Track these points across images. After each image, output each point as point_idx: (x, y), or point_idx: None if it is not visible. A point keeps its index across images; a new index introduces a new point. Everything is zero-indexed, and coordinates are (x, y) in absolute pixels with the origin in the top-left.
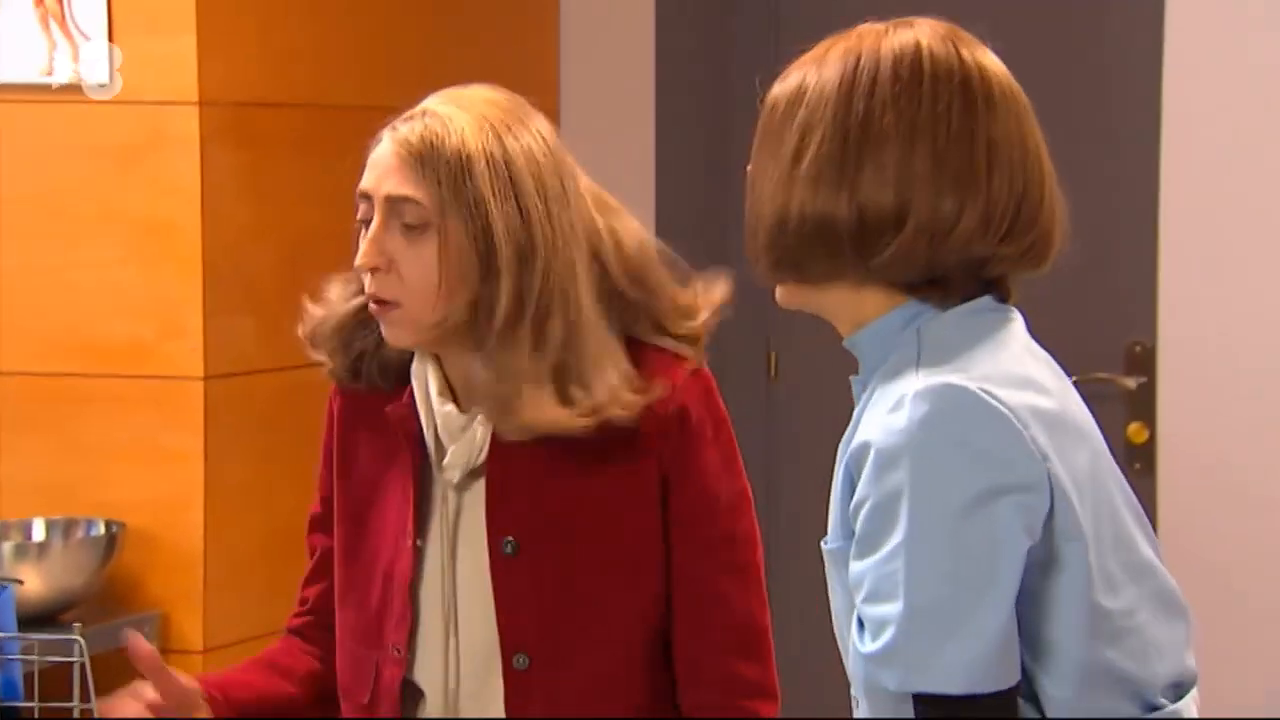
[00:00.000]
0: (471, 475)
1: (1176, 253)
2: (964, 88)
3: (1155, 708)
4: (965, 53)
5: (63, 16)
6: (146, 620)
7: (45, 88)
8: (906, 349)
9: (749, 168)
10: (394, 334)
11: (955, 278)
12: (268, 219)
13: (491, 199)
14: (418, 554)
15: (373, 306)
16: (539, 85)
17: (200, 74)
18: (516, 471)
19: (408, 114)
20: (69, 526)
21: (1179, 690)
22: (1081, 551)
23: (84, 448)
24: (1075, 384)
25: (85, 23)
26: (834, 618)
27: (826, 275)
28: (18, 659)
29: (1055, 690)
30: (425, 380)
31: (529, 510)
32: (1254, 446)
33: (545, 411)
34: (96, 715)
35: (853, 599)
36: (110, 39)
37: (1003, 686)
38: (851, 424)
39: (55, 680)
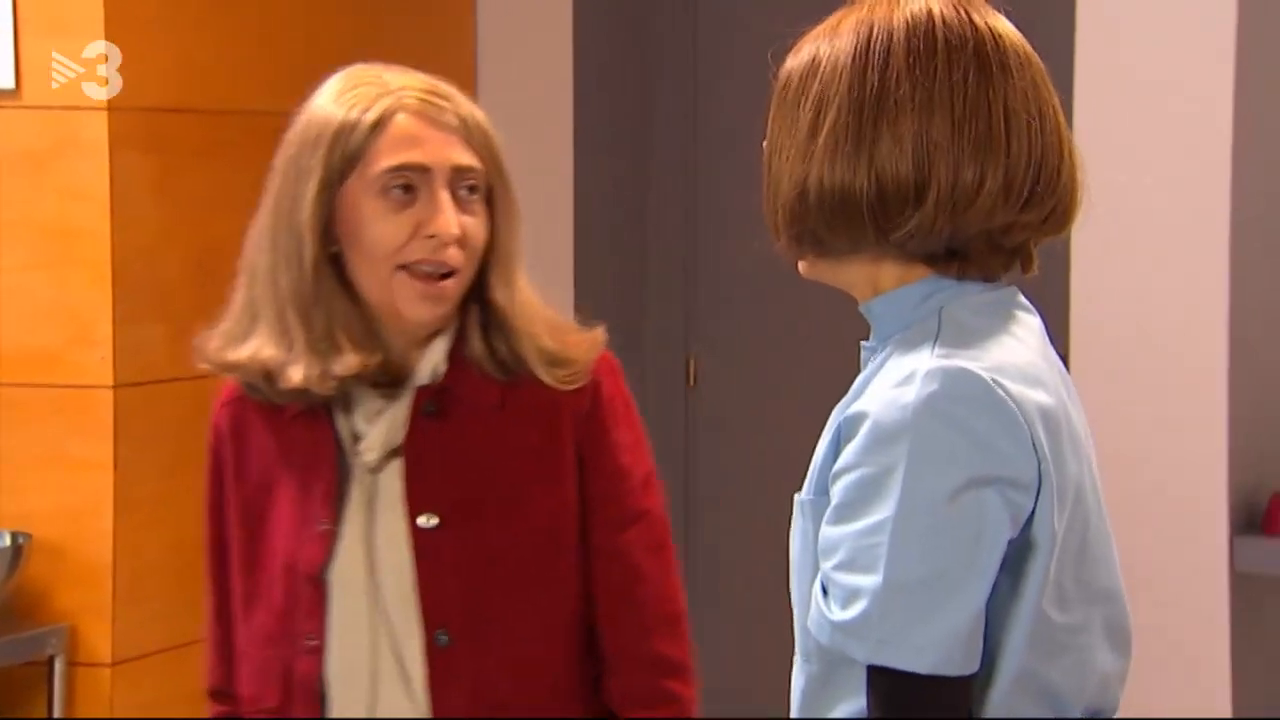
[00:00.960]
0: (388, 457)
1: (1088, 263)
2: (978, 54)
3: None
4: (978, 18)
5: None
6: (54, 633)
7: None
8: (926, 325)
9: (764, 143)
10: (440, 311)
11: (976, 249)
12: (178, 225)
13: (501, 160)
14: (329, 538)
15: (425, 285)
16: (455, 82)
17: (109, 80)
18: (434, 449)
19: (407, 87)
20: None
21: (1098, 716)
22: (1045, 558)
23: None
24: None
25: None
26: (791, 568)
27: (847, 248)
28: None
29: (980, 687)
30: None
31: (448, 486)
32: (1155, 444)
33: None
34: None
35: (814, 556)
36: (15, 42)
37: (965, 672)
38: (854, 388)
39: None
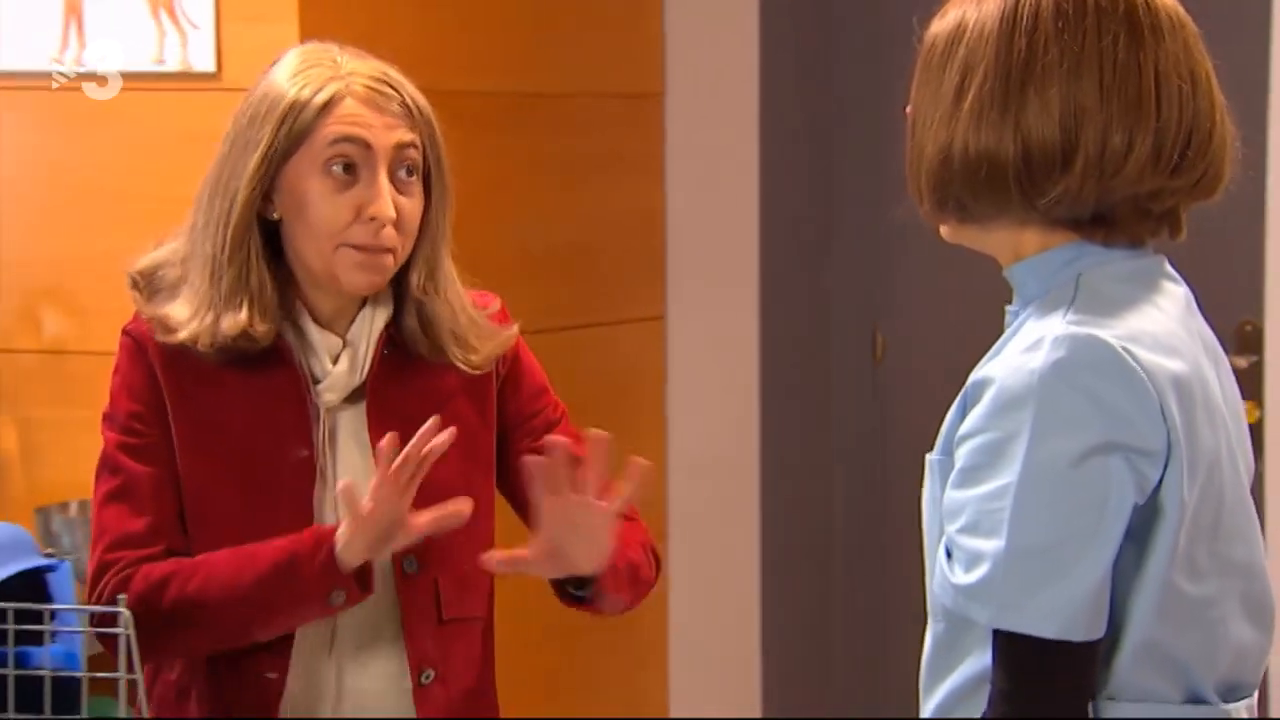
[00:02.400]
0: (349, 399)
1: None
2: (1129, 18)
3: (1202, 701)
4: None
5: (172, 6)
6: None
7: (155, 75)
8: (1063, 291)
9: (908, 108)
10: (378, 280)
11: (1123, 215)
12: None
13: (441, 146)
14: (310, 466)
15: (365, 255)
16: (644, 62)
17: None
18: (393, 393)
19: (356, 72)
20: None
21: (1235, 693)
22: (1173, 527)
23: None
24: None
25: (193, 12)
26: (924, 529)
27: (991, 213)
28: (77, 631)
29: (1104, 656)
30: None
31: (407, 427)
32: None
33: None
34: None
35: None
36: (217, 28)
37: (1090, 638)
38: (993, 350)
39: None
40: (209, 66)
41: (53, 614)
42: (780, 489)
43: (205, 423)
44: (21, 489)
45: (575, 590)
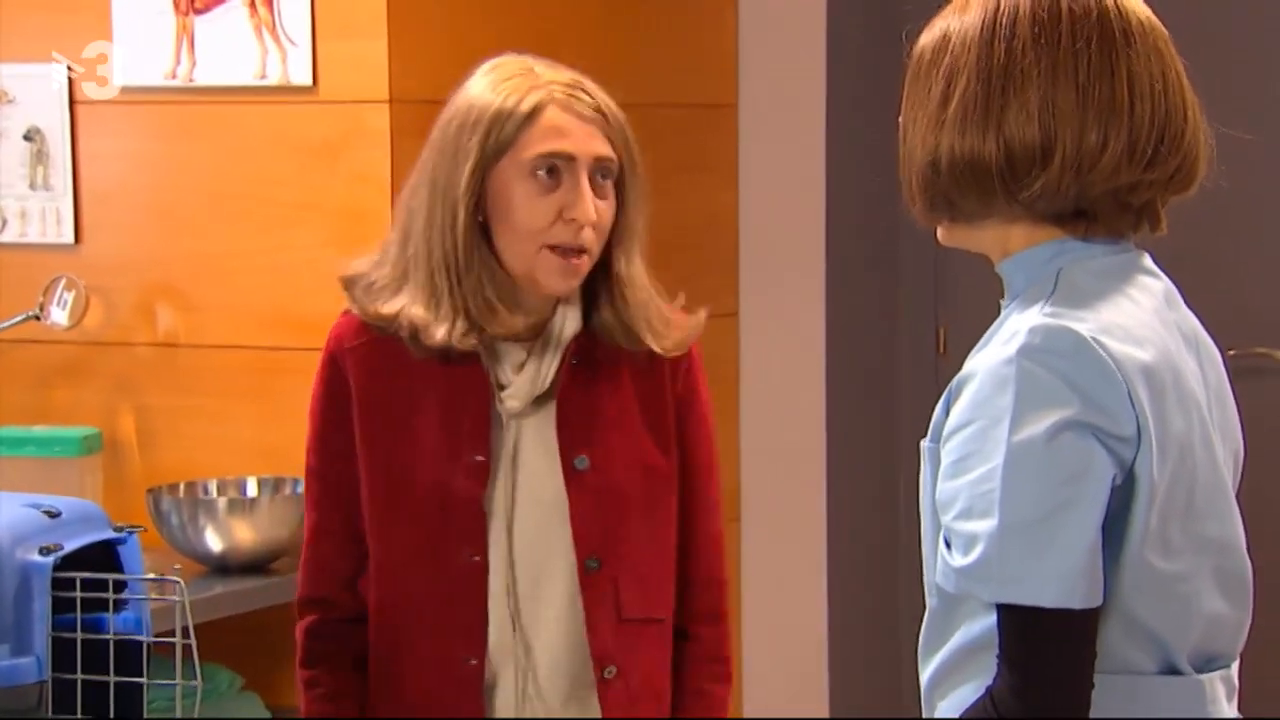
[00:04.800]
0: (532, 404)
1: None
2: (1101, 24)
3: (1177, 671)
4: None
5: (273, 25)
6: None
7: (258, 89)
8: (1043, 285)
9: (900, 117)
10: (574, 283)
11: (1102, 208)
12: None
13: (635, 149)
14: (485, 470)
15: (565, 260)
16: (718, 75)
17: (391, 74)
18: (581, 397)
19: (555, 81)
20: (277, 484)
21: (1211, 663)
22: (1144, 508)
23: (291, 413)
24: (1233, 357)
25: (292, 30)
26: (921, 514)
27: (978, 212)
28: (144, 599)
29: None
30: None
31: (592, 431)
32: None
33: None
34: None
35: (933, 498)
36: (313, 45)
37: (1089, 605)
38: (980, 342)
39: (162, 618)
40: (306, 80)
41: (123, 583)
42: (847, 477)
43: (392, 420)
44: (136, 470)
45: None
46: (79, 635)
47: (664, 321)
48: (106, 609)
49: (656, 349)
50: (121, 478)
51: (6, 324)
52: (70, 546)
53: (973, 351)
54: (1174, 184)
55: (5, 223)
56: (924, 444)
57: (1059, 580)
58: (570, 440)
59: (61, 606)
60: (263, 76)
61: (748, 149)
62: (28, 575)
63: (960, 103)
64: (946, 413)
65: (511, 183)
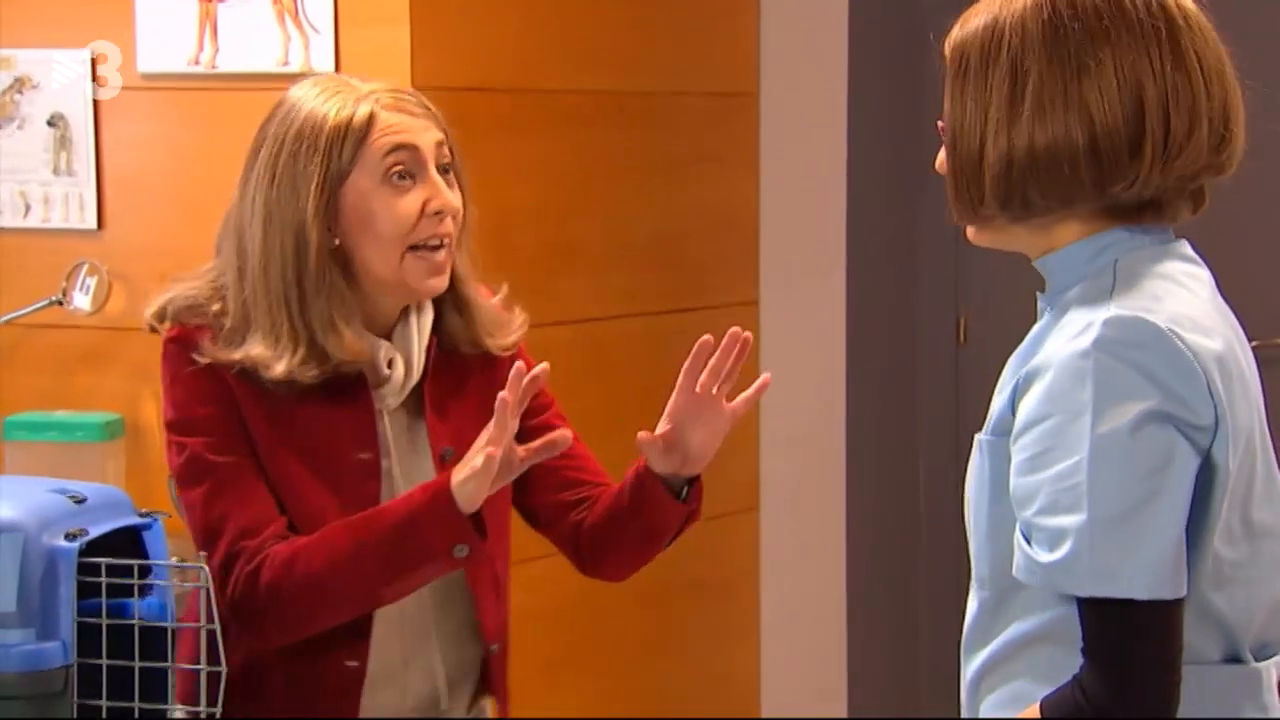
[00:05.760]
0: (403, 403)
1: None
2: (1164, 7)
3: (1239, 660)
4: None
5: (295, 12)
6: None
7: (281, 75)
8: (1101, 279)
9: (944, 120)
10: (443, 281)
11: (1170, 197)
12: (477, 196)
13: (455, 142)
14: (375, 468)
15: (430, 257)
16: (739, 64)
17: (414, 62)
18: (443, 395)
19: (376, 88)
20: None
21: (1266, 650)
22: (1220, 498)
23: None
24: (1255, 349)
25: (315, 17)
26: (967, 503)
27: (1056, 207)
28: (168, 584)
29: None
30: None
31: (458, 422)
32: None
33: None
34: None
35: (990, 491)
36: (336, 31)
37: (1179, 595)
38: (1030, 338)
39: (188, 602)
40: (329, 67)
41: (148, 569)
42: (866, 466)
43: (276, 431)
44: (158, 456)
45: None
46: (104, 620)
47: (498, 324)
48: (131, 594)
49: (495, 351)
50: (143, 463)
51: (29, 309)
52: (95, 532)
53: (1021, 349)
54: (1225, 165)
55: (29, 208)
56: (980, 437)
57: (1151, 572)
58: (438, 434)
59: (86, 592)
60: (285, 63)
61: (769, 138)
62: (53, 560)
63: (1035, 95)
64: (1011, 407)
65: (367, 194)
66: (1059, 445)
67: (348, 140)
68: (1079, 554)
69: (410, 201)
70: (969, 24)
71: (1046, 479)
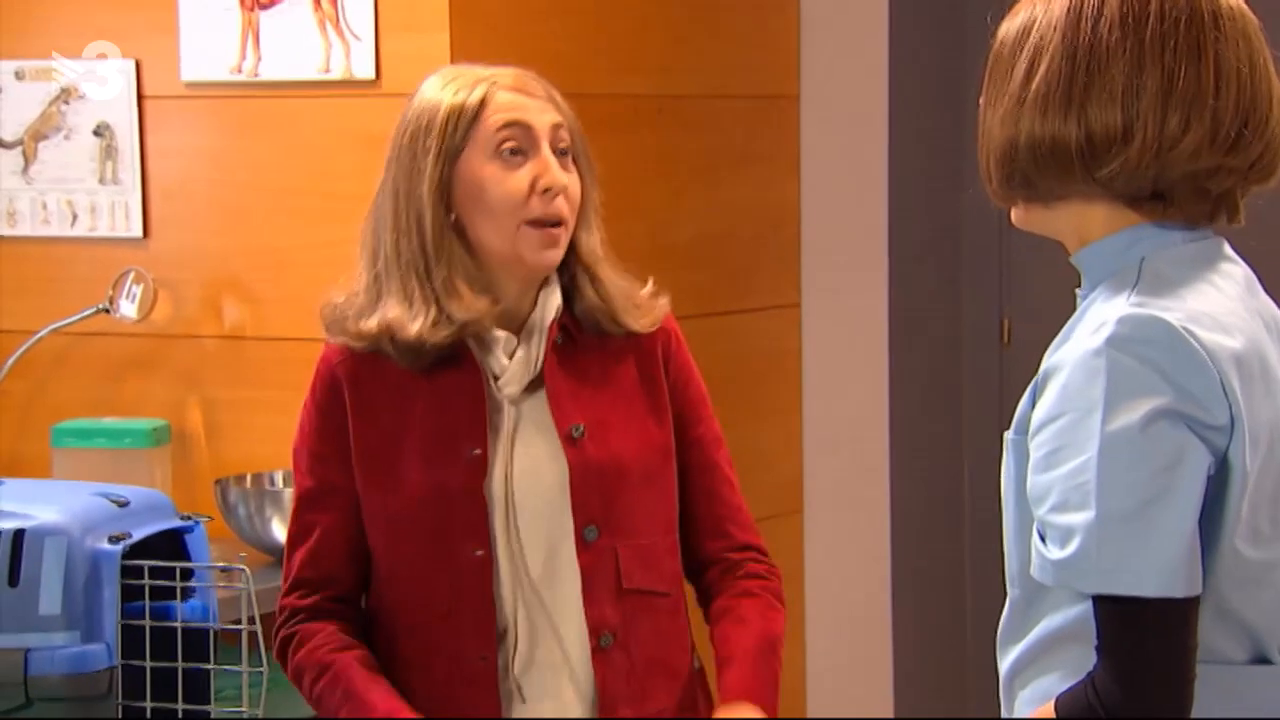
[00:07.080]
0: (527, 389)
1: None
2: (1191, 6)
3: (1267, 661)
4: None
5: (337, 19)
6: None
7: (322, 83)
8: (1126, 275)
9: (980, 100)
10: (557, 255)
11: (1180, 192)
12: None
13: (580, 130)
14: (483, 462)
15: (543, 232)
16: (780, 67)
17: None
18: (569, 375)
19: (499, 73)
20: None
21: None
22: (1237, 496)
23: None
24: None
25: (356, 24)
26: (1003, 504)
27: (1055, 191)
28: (210, 586)
29: None
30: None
31: (584, 405)
32: None
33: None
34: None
35: (1014, 489)
36: (376, 39)
37: (1190, 594)
38: (1063, 332)
39: (229, 606)
40: (369, 74)
41: (190, 571)
42: (910, 468)
43: (389, 433)
44: (204, 462)
45: None
46: (147, 623)
47: (636, 302)
48: (174, 597)
49: (636, 329)
50: (190, 469)
51: (76, 317)
52: (138, 535)
53: (1053, 344)
54: (1255, 173)
55: (76, 217)
56: (1008, 436)
57: (1160, 569)
58: (565, 413)
59: (130, 595)
60: (326, 71)
61: (809, 140)
62: (97, 563)
63: (1043, 82)
64: (1033, 405)
65: (479, 169)
66: (1071, 443)
67: (462, 117)
68: (1087, 551)
69: (520, 177)
70: (1016, 16)
71: (1058, 477)
